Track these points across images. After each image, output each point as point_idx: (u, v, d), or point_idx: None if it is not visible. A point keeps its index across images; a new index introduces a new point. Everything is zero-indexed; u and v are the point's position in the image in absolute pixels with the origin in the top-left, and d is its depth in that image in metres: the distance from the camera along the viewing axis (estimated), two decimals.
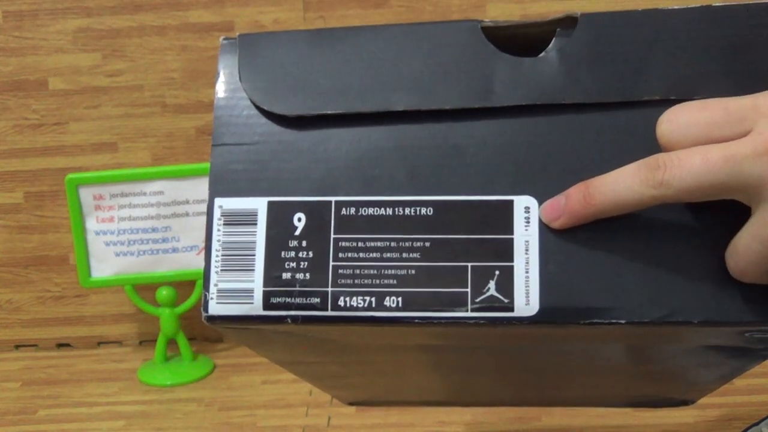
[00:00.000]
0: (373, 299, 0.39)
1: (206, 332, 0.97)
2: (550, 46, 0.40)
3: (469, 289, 0.38)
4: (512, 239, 0.38)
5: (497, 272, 0.38)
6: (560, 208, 0.38)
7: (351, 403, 0.61)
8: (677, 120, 0.36)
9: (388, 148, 0.40)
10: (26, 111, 0.93)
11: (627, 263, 0.38)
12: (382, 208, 0.40)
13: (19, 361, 0.94)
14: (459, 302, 0.38)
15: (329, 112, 0.41)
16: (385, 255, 0.39)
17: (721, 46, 0.39)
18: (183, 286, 0.89)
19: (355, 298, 0.39)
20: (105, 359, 0.94)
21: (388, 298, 0.39)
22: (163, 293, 0.89)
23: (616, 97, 0.39)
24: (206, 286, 0.41)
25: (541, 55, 0.40)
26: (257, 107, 0.42)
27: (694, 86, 0.38)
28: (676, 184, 0.35)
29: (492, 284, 0.38)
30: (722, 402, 0.72)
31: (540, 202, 0.39)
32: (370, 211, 0.40)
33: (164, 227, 0.87)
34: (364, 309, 0.39)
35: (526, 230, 0.38)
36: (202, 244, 0.88)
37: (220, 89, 0.43)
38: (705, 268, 0.37)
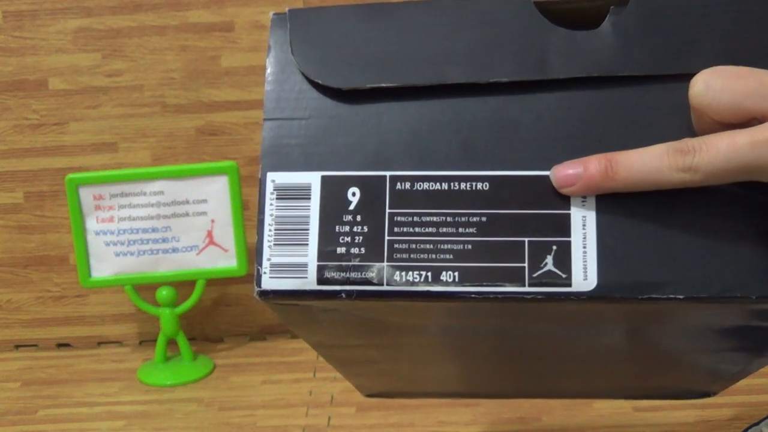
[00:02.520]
0: (429, 274, 0.39)
1: (206, 332, 0.97)
2: (605, 20, 0.40)
3: (526, 264, 0.38)
4: (569, 214, 0.38)
5: (555, 247, 0.38)
6: (577, 176, 0.38)
7: (370, 395, 0.61)
8: (712, 84, 0.37)
9: (443, 121, 0.40)
10: (26, 111, 0.93)
11: (683, 239, 0.38)
12: (438, 183, 0.39)
13: (19, 361, 0.94)
14: (516, 277, 0.38)
15: (383, 85, 0.40)
16: (441, 230, 0.39)
17: None
18: (183, 286, 0.89)
19: (411, 273, 0.39)
20: (105, 359, 0.94)
21: (444, 272, 0.39)
22: (163, 293, 0.89)
23: (670, 69, 0.39)
24: (258, 260, 0.40)
25: (594, 29, 0.40)
26: (309, 81, 0.41)
27: (748, 59, 0.38)
28: (704, 169, 0.36)
29: (549, 259, 0.38)
30: (722, 402, 0.72)
31: None
32: (426, 185, 0.39)
33: (164, 227, 0.87)
34: (420, 283, 0.39)
35: (583, 205, 0.38)
36: (203, 244, 0.88)
37: (271, 63, 0.42)
38: (760, 244, 0.37)
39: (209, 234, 0.88)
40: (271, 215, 0.40)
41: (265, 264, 0.40)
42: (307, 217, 0.40)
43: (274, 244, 0.40)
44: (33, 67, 0.92)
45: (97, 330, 0.97)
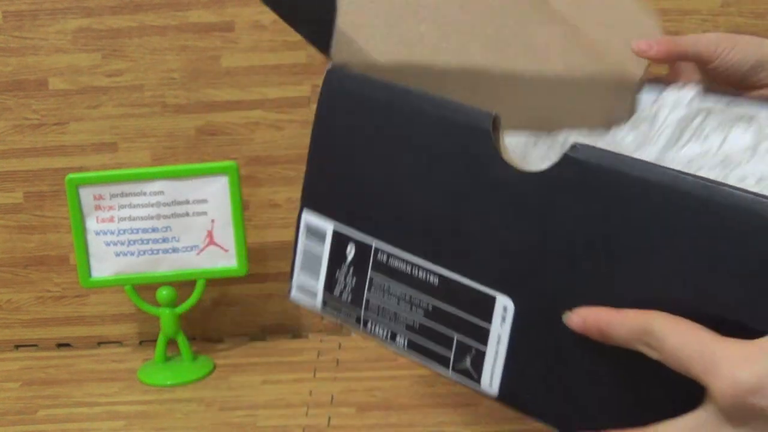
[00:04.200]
0: (389, 334, 0.47)
1: (206, 332, 0.97)
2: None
3: (452, 356, 0.45)
4: (489, 329, 0.43)
5: (474, 351, 0.44)
6: None
7: None
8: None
9: (424, 209, 0.45)
10: (26, 111, 0.93)
11: (576, 383, 0.41)
12: (404, 264, 0.46)
13: (19, 361, 0.94)
14: (444, 362, 0.45)
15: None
16: (400, 303, 0.46)
17: None
18: (183, 286, 0.89)
19: (377, 327, 0.47)
20: (105, 359, 0.94)
21: (398, 336, 0.47)
22: (163, 293, 0.89)
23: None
24: (291, 276, 0.52)
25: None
26: None
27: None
28: None
29: (468, 359, 0.44)
30: None
31: (516, 305, 0.42)
32: (395, 263, 0.46)
33: (164, 227, 0.87)
34: (382, 338, 0.47)
35: (501, 326, 0.43)
36: (203, 244, 0.88)
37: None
38: (636, 404, 0.39)
39: (209, 234, 0.88)
40: (302, 245, 0.50)
41: (294, 281, 0.51)
42: (320, 257, 0.49)
43: (300, 268, 0.50)
44: (33, 67, 0.92)
45: (97, 330, 0.97)
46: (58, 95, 0.92)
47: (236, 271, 0.88)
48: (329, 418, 0.76)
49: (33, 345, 0.98)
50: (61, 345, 0.98)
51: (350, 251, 0.48)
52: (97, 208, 0.87)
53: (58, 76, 0.92)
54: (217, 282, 0.93)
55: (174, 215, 0.87)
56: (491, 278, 0.42)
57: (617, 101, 0.58)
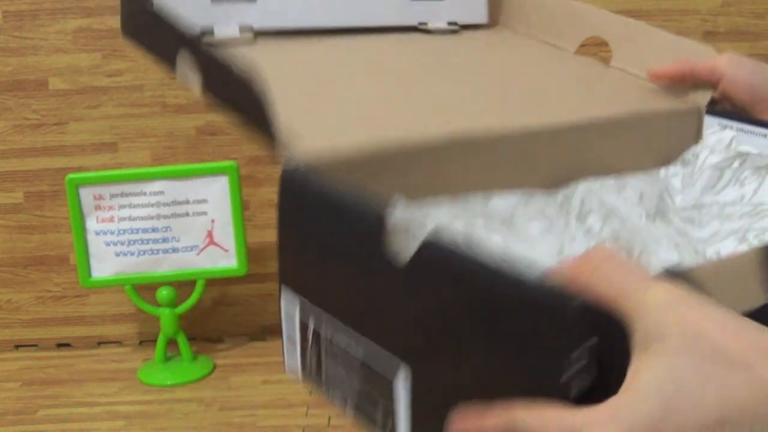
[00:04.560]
0: (342, 400, 0.48)
1: (206, 332, 0.97)
2: None
3: (379, 419, 0.46)
4: (398, 396, 0.44)
5: (392, 416, 0.45)
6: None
7: None
8: None
9: (350, 287, 0.46)
10: (26, 111, 0.93)
11: None
12: (344, 335, 0.47)
13: (19, 361, 0.94)
14: (375, 425, 0.46)
15: None
16: (345, 371, 0.48)
17: None
18: (183, 286, 0.89)
19: (335, 395, 0.48)
20: (105, 359, 0.94)
21: (347, 403, 0.48)
22: (163, 293, 0.89)
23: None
24: (282, 352, 0.51)
25: None
26: None
27: None
28: None
29: (391, 422, 0.45)
30: None
31: (412, 376, 0.43)
32: (338, 335, 0.47)
33: (164, 227, 0.87)
34: (339, 405, 0.48)
35: (404, 395, 0.44)
36: (203, 244, 0.88)
37: None
38: None
39: (209, 234, 0.88)
40: (284, 321, 0.50)
41: (285, 356, 0.51)
42: (296, 331, 0.50)
43: (286, 344, 0.50)
44: (33, 67, 0.92)
45: (97, 330, 0.97)
46: (58, 95, 0.92)
47: (236, 271, 0.88)
48: (329, 418, 0.76)
49: (33, 345, 0.98)
50: (61, 345, 0.98)
51: (311, 324, 0.49)
52: (97, 208, 0.87)
53: (58, 76, 0.92)
54: (217, 282, 0.93)
55: (174, 215, 0.87)
56: (396, 349, 0.45)
57: (671, 140, 0.59)
